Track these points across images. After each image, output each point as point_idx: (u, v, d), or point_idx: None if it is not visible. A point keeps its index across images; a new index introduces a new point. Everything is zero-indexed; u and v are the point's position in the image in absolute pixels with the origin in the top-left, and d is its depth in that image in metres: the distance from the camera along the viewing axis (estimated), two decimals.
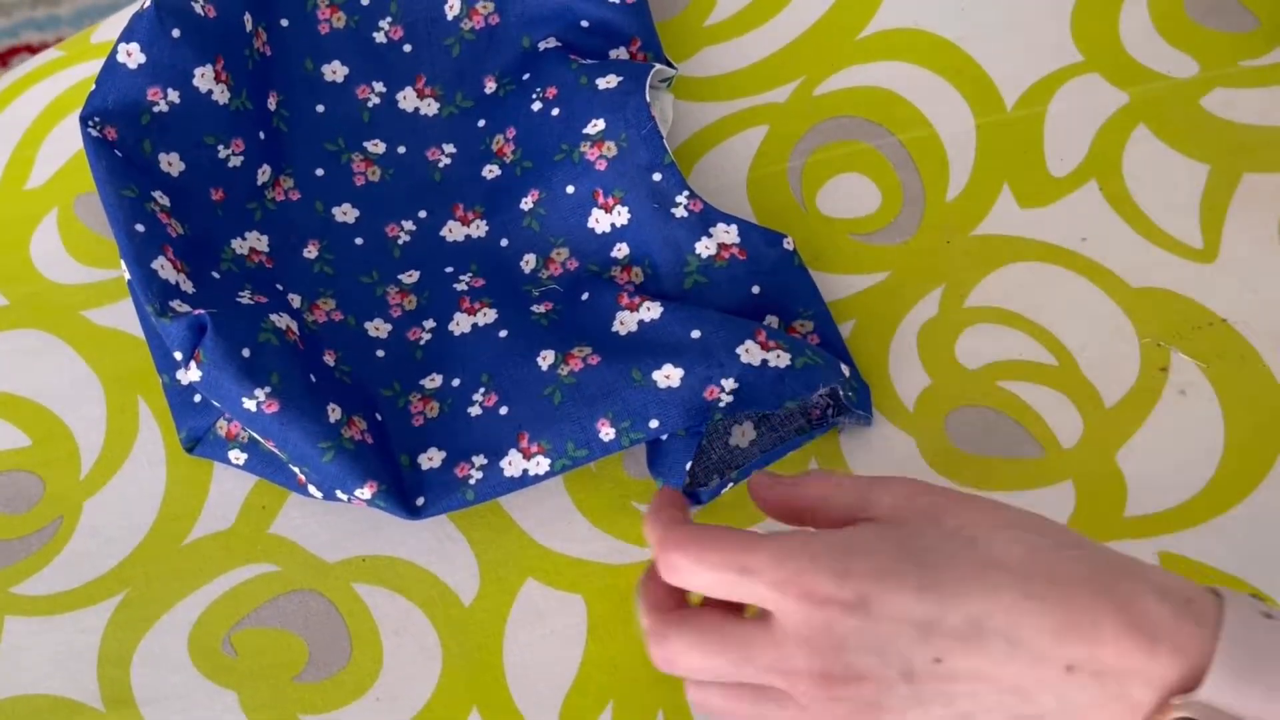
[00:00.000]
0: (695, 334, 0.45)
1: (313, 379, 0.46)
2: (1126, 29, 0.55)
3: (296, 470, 0.46)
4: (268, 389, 0.44)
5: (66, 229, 0.54)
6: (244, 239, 0.50)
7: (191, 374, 0.44)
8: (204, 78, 0.49)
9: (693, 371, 0.44)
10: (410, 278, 0.51)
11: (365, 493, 0.45)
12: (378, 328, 0.50)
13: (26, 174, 0.56)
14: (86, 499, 0.49)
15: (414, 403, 0.48)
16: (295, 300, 0.49)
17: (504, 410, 0.46)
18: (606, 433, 0.44)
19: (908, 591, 0.33)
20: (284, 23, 0.54)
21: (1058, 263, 0.50)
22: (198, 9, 0.50)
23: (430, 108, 0.55)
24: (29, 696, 0.46)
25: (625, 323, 0.47)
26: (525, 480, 0.45)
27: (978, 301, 0.50)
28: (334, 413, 0.45)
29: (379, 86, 0.55)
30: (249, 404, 0.44)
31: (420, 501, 0.46)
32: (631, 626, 0.45)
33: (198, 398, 0.48)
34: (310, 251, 0.51)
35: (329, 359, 0.48)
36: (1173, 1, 0.55)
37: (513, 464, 0.45)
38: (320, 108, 0.54)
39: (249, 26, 0.52)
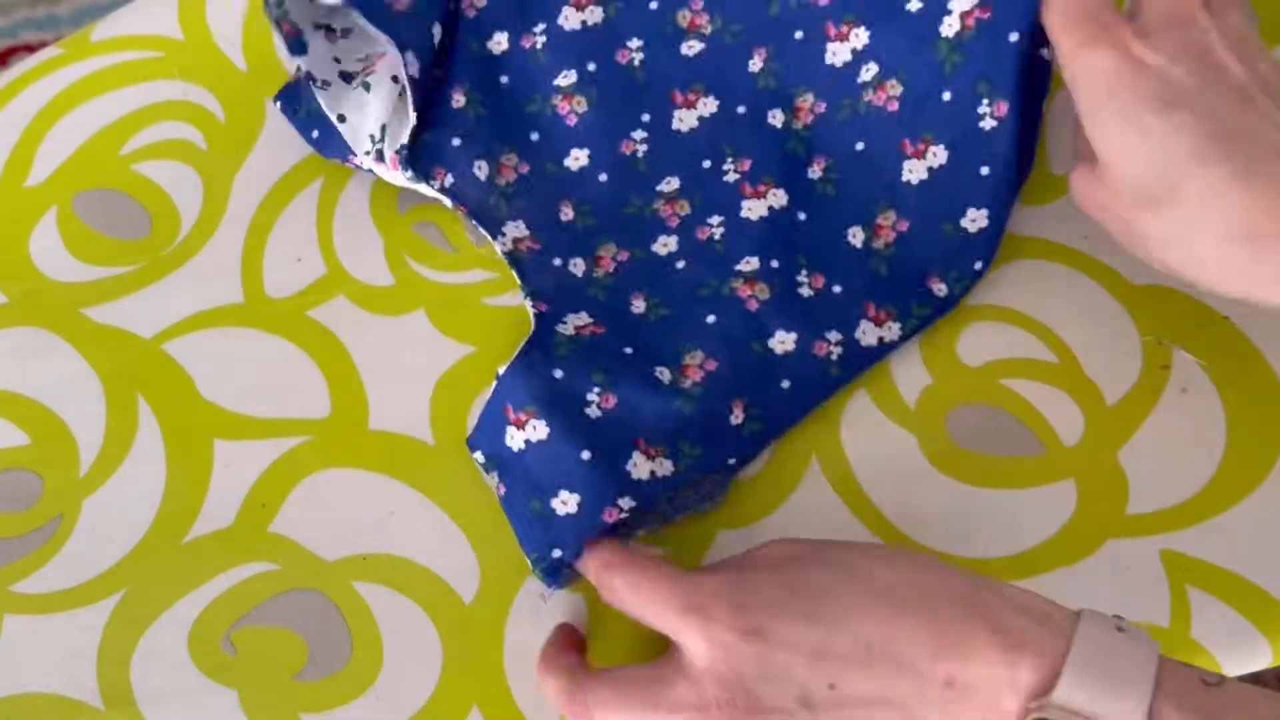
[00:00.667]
0: (984, 170, 0.46)
1: (628, 351, 0.46)
2: None
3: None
4: (597, 388, 0.44)
5: (66, 227, 0.54)
6: (504, 234, 0.50)
7: (527, 435, 0.44)
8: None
9: (994, 210, 0.46)
10: (670, 185, 0.50)
11: (738, 415, 0.45)
12: (665, 244, 0.49)
13: (26, 172, 0.56)
14: (86, 497, 0.49)
15: (739, 288, 0.47)
16: (579, 266, 0.49)
17: (837, 289, 0.47)
18: (939, 288, 0.47)
19: (798, 620, 0.36)
20: (435, 30, 0.53)
21: (1059, 260, 0.50)
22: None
23: (594, 14, 0.53)
24: (28, 695, 0.46)
25: (914, 171, 0.47)
26: (883, 349, 0.46)
27: (979, 299, 0.50)
28: (661, 374, 0.45)
29: (538, 29, 0.54)
30: (591, 410, 0.44)
31: (786, 385, 0.46)
32: (631, 626, 0.45)
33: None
34: (566, 213, 0.51)
35: (638, 305, 0.48)
36: None
37: (867, 333, 0.46)
38: (504, 79, 0.53)
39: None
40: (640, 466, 0.44)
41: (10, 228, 0.54)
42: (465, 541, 0.47)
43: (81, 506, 0.49)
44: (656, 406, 0.45)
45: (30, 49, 1.37)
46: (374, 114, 0.50)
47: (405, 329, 0.51)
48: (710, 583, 0.38)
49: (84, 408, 0.50)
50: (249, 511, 0.48)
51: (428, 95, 0.53)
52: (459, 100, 0.52)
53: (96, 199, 0.55)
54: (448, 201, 0.51)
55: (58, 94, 0.57)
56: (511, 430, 0.45)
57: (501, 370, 0.46)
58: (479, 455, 0.46)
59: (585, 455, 0.43)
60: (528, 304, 0.49)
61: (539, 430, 0.44)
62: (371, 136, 0.51)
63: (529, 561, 0.44)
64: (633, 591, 0.39)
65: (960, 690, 0.35)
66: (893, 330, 0.47)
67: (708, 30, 0.52)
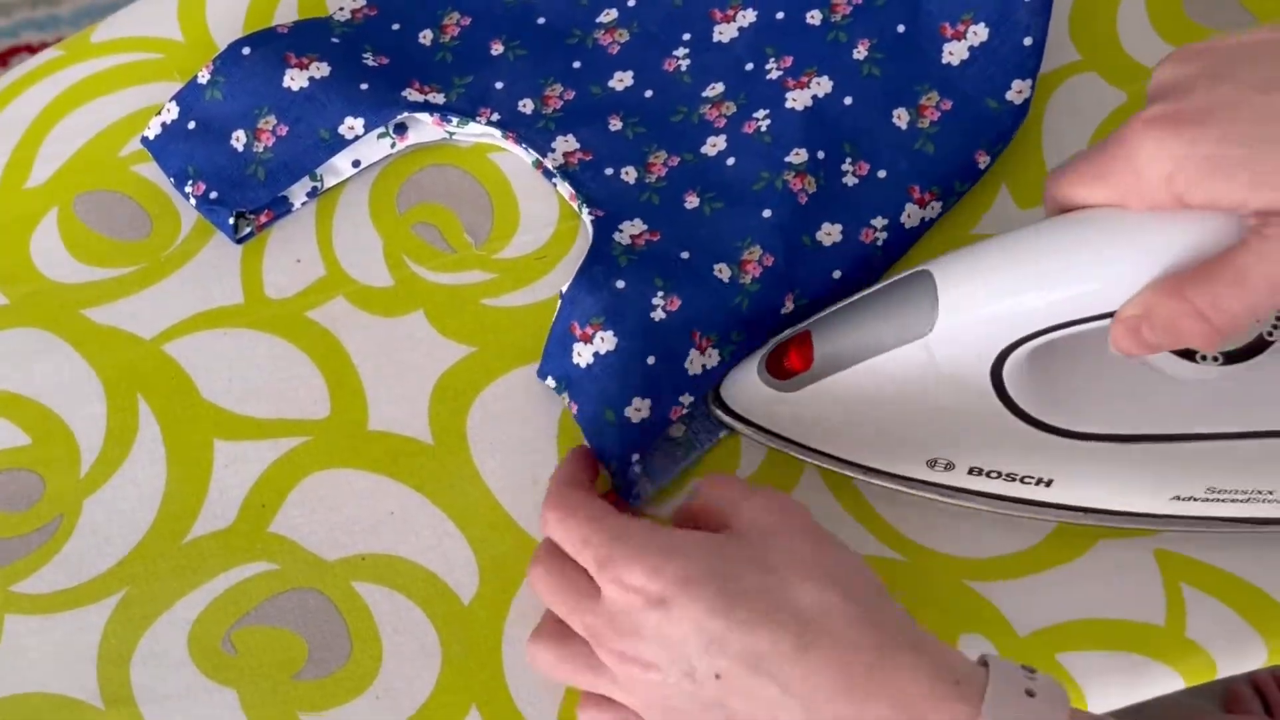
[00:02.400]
0: (1027, 41, 0.49)
1: (684, 256, 0.47)
2: (1124, 28, 0.55)
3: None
4: (660, 292, 0.45)
5: (66, 228, 0.54)
6: (554, 149, 0.51)
7: (595, 348, 0.45)
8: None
9: (1036, 77, 0.50)
10: (714, 90, 0.52)
11: (789, 305, 0.46)
12: (714, 144, 0.50)
13: (26, 173, 0.56)
14: (86, 497, 0.49)
15: (791, 180, 0.48)
16: (630, 174, 0.50)
17: (881, 174, 0.48)
18: (983, 160, 0.48)
19: (703, 607, 0.36)
20: None
21: None
22: None
23: None
24: (29, 695, 0.46)
25: (955, 52, 0.48)
26: (925, 226, 0.48)
27: None
28: (721, 272, 0.46)
29: None
30: (656, 314, 0.45)
31: (837, 275, 0.47)
32: None
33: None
34: (614, 124, 0.52)
35: (691, 200, 0.49)
36: (1171, 0, 0.55)
37: (911, 215, 0.47)
38: (541, 20, 0.55)
39: None
40: (694, 362, 0.46)
41: (11, 229, 0.54)
42: (464, 541, 0.47)
43: (82, 507, 0.49)
44: (717, 303, 0.46)
45: (31, 49, 1.37)
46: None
47: (404, 330, 0.51)
48: (638, 536, 0.39)
49: (85, 408, 0.51)
50: (249, 512, 0.48)
51: (463, 50, 0.54)
52: (497, 49, 0.54)
53: (97, 200, 0.55)
54: (497, 133, 0.52)
55: (58, 95, 0.57)
56: (579, 347, 0.46)
57: (565, 290, 0.47)
58: (550, 380, 0.47)
59: (651, 360, 0.45)
60: (584, 213, 0.49)
61: (607, 341, 0.45)
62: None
63: (607, 474, 0.46)
64: (561, 525, 0.41)
65: None
66: (935, 209, 0.49)
67: None
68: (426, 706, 0.45)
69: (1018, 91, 0.50)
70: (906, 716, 0.34)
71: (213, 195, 0.52)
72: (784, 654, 0.35)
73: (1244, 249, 0.33)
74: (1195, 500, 0.42)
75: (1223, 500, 0.42)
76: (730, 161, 0.50)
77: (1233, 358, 0.41)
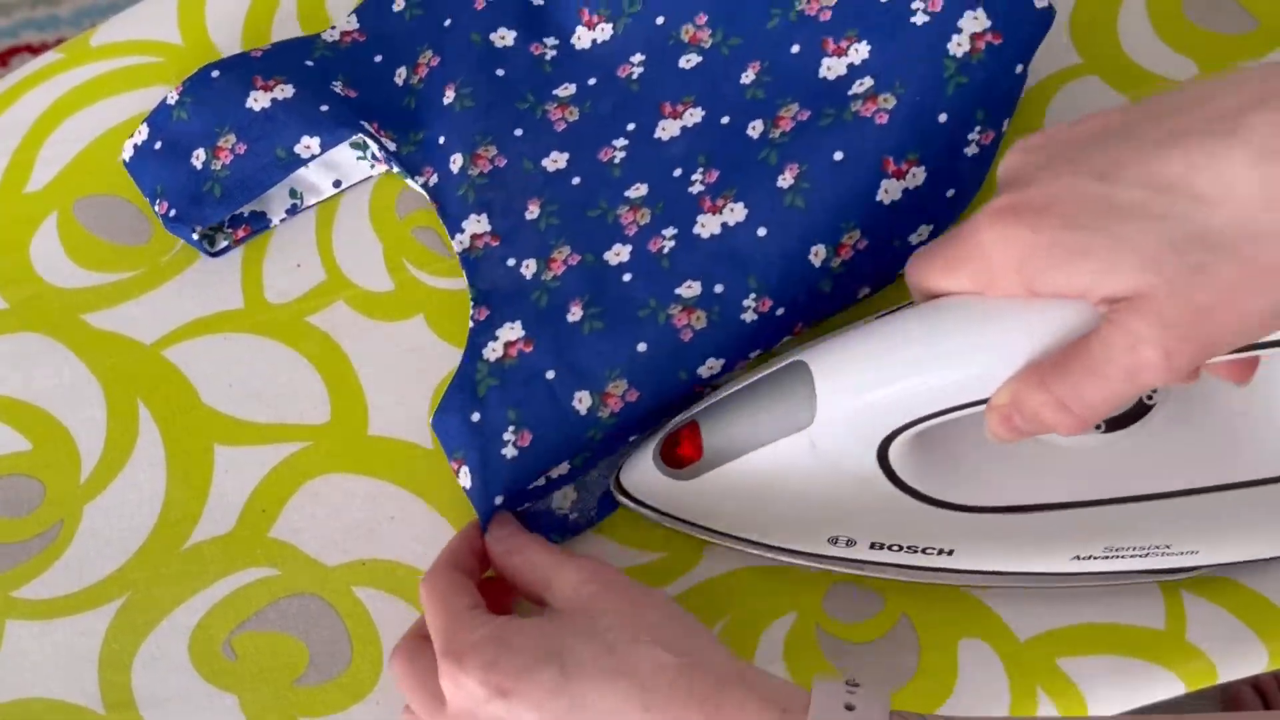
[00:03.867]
0: (950, 193, 0.46)
1: (550, 376, 0.46)
2: (1125, 31, 0.55)
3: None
4: (512, 427, 0.45)
5: (66, 232, 0.54)
6: (463, 230, 0.50)
7: (462, 481, 0.46)
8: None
9: (940, 226, 0.47)
10: (638, 191, 0.50)
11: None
12: (618, 253, 0.48)
13: (26, 177, 0.56)
14: (87, 503, 0.49)
15: (676, 315, 0.46)
16: (530, 267, 0.49)
17: (780, 312, 0.46)
18: (864, 293, 0.46)
19: (544, 690, 0.37)
20: (446, 22, 0.55)
21: None
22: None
23: (604, 32, 0.53)
24: (30, 700, 0.46)
25: (890, 191, 0.45)
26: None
27: None
28: (581, 402, 0.45)
29: (550, 42, 0.54)
30: (507, 450, 0.45)
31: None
32: None
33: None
34: (532, 212, 0.50)
35: (575, 312, 0.47)
36: (1171, 3, 0.55)
37: (785, 343, 0.46)
38: (500, 71, 0.53)
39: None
40: (539, 488, 0.46)
41: (11, 233, 0.54)
42: None
43: (83, 512, 0.49)
44: (569, 437, 0.45)
45: (31, 49, 1.37)
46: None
47: (404, 334, 0.51)
48: (478, 631, 0.39)
49: (85, 413, 0.51)
50: (249, 517, 0.48)
51: (426, 94, 0.54)
52: (449, 96, 0.53)
53: (97, 204, 0.55)
54: (427, 199, 0.52)
55: (58, 99, 0.57)
56: (455, 467, 0.46)
57: (438, 410, 0.47)
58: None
59: (499, 500, 0.45)
60: (471, 312, 0.49)
61: (465, 477, 0.46)
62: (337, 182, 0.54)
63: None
64: (424, 602, 0.41)
65: None
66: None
67: (708, 44, 0.51)
68: None
69: (919, 234, 0.47)
70: None
71: (173, 213, 0.52)
72: (625, 717, 0.36)
73: (1096, 337, 0.33)
74: (1095, 559, 0.42)
75: (1122, 556, 0.42)
76: (626, 278, 0.48)
77: (1116, 424, 0.42)
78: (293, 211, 0.53)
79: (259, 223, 0.53)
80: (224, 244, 0.53)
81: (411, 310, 0.52)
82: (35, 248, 0.54)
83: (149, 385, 0.51)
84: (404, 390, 0.50)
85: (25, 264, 0.54)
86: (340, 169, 0.54)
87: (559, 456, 0.45)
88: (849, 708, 0.36)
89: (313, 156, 0.51)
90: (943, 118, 0.46)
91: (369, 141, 0.52)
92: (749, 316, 0.45)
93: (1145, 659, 0.44)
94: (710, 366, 0.45)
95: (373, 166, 0.54)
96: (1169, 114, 0.33)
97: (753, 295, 0.45)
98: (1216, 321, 0.32)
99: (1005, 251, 0.34)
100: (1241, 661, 0.44)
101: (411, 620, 0.46)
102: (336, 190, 0.54)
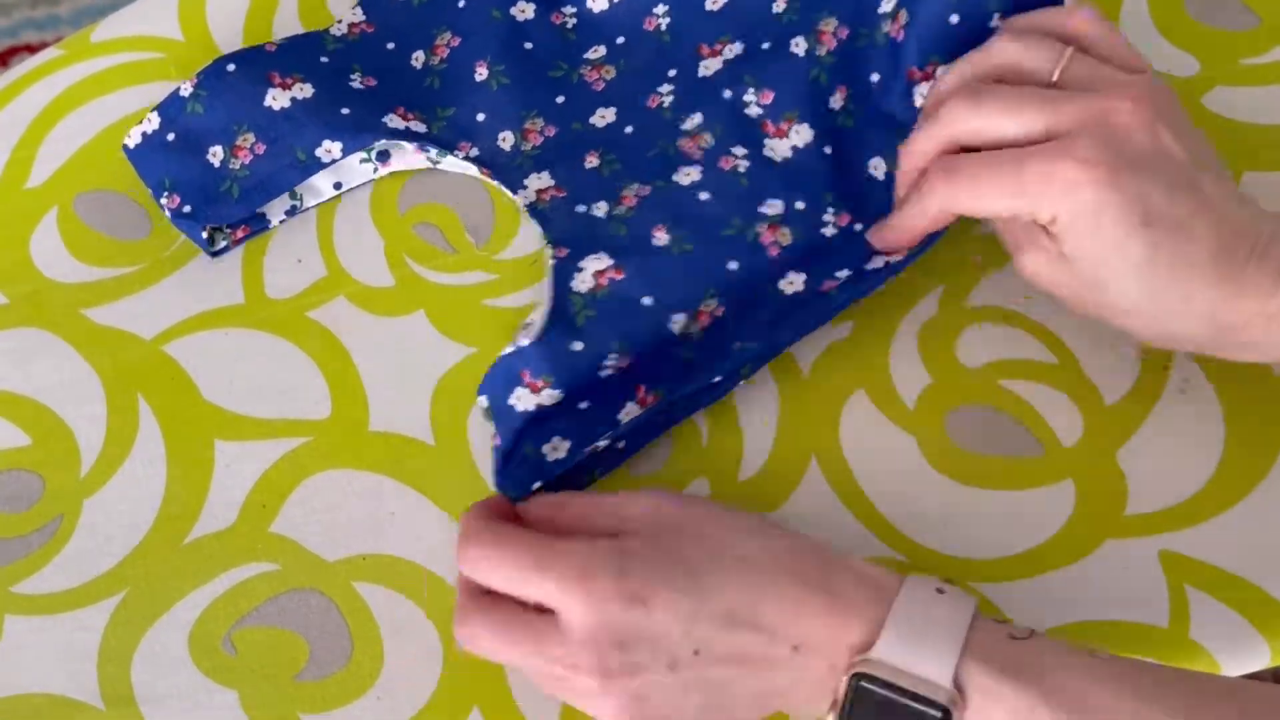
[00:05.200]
0: None
1: (646, 302, 0.46)
2: (1127, 27, 0.55)
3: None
4: (615, 355, 0.45)
5: (66, 228, 0.54)
6: (526, 187, 0.51)
7: (539, 400, 0.45)
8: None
9: None
10: (693, 121, 0.51)
11: (735, 347, 0.45)
12: (688, 174, 0.49)
13: (26, 173, 0.56)
14: (86, 498, 0.49)
15: (763, 233, 0.47)
16: (601, 208, 0.49)
17: (858, 227, 0.47)
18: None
19: (675, 590, 0.38)
20: (461, 3, 0.55)
21: None
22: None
23: None
24: (29, 695, 0.46)
25: (925, 95, 0.47)
26: (890, 269, 0.47)
27: (978, 300, 0.50)
28: (676, 324, 0.46)
29: (568, 9, 0.54)
30: (604, 372, 0.45)
31: (786, 320, 0.46)
32: None
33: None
34: (591, 162, 0.51)
35: (660, 237, 0.48)
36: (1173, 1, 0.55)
37: (874, 262, 0.47)
38: (528, 45, 0.54)
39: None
40: (630, 411, 0.45)
41: (11, 229, 0.54)
42: None
43: (82, 507, 0.49)
44: (665, 357, 0.46)
45: (31, 49, 1.37)
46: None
47: (406, 330, 0.51)
48: (584, 550, 0.39)
49: (85, 408, 0.50)
50: (249, 512, 0.48)
51: (450, 73, 0.54)
52: (481, 74, 0.53)
53: (97, 200, 0.55)
54: (474, 169, 0.52)
55: (58, 95, 0.57)
56: (522, 392, 0.45)
57: (524, 338, 0.46)
58: (484, 400, 0.46)
59: (584, 405, 0.45)
60: (548, 253, 0.49)
61: (552, 396, 0.45)
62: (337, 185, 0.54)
63: (492, 485, 0.45)
64: (492, 562, 0.40)
65: (806, 653, 0.38)
66: (899, 254, 0.48)
67: None
68: (428, 707, 0.45)
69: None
70: (840, 621, 0.38)
71: (186, 209, 0.51)
72: (751, 599, 0.38)
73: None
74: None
75: None
76: (703, 196, 0.48)
77: None
78: (292, 213, 0.53)
79: (259, 224, 0.53)
80: (223, 244, 0.53)
81: (412, 306, 0.52)
82: (35, 243, 0.54)
83: (149, 380, 0.51)
84: (405, 386, 0.50)
85: (25, 259, 0.54)
86: (341, 171, 0.54)
87: (657, 379, 0.45)
88: (939, 590, 0.39)
89: (333, 161, 0.51)
90: (954, 19, 0.46)
91: (382, 144, 0.52)
92: (829, 231, 0.47)
93: (1148, 656, 0.44)
94: (791, 282, 0.47)
95: (375, 171, 0.54)
96: None
97: (830, 211, 0.48)
98: None
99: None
100: (1244, 658, 0.44)
101: (413, 615, 0.46)
102: (337, 193, 0.54)
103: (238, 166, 0.52)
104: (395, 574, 0.47)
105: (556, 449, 0.45)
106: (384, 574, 0.47)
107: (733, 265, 0.47)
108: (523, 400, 0.45)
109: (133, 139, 0.53)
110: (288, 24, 0.58)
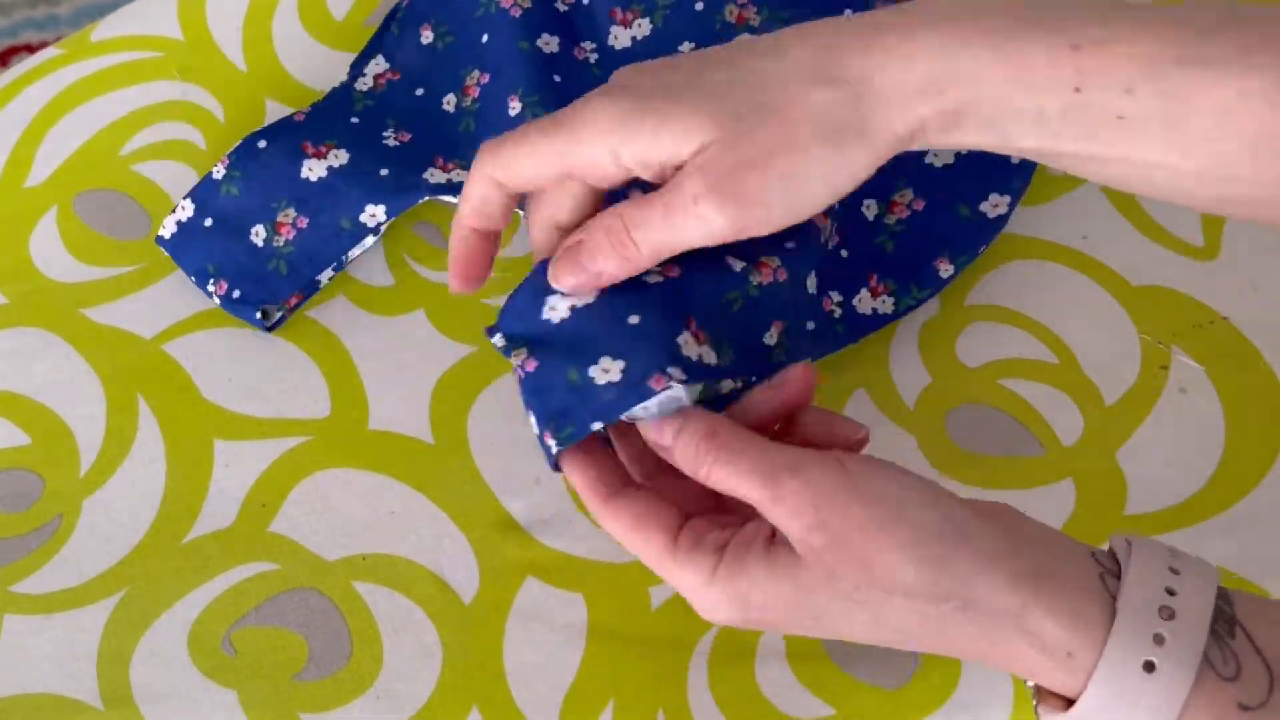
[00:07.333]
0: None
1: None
2: None
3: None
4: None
5: (66, 227, 0.54)
6: None
7: (573, 302, 0.39)
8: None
9: (1015, 195, 0.50)
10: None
11: (774, 335, 0.40)
12: None
13: (26, 172, 0.56)
14: (86, 497, 0.49)
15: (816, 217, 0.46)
16: None
17: (844, 254, 0.48)
18: (945, 269, 0.48)
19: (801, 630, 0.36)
20: (485, 38, 0.54)
21: (1058, 260, 0.50)
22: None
23: (642, 28, 0.54)
24: (28, 695, 0.46)
25: (939, 155, 0.49)
26: (878, 320, 0.48)
27: (978, 300, 0.50)
28: (734, 264, 0.41)
29: (589, 45, 0.55)
30: (651, 277, 0.39)
31: (810, 325, 0.43)
32: (630, 625, 0.45)
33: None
34: None
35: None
36: (1172, 0, 0.55)
37: (863, 301, 0.48)
38: (557, 78, 0.53)
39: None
40: (689, 345, 0.38)
41: (10, 228, 0.54)
42: (465, 541, 0.47)
43: (82, 507, 0.49)
44: (715, 290, 0.40)
45: (31, 49, 1.37)
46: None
47: (405, 329, 0.51)
48: (838, 488, 0.35)
49: (84, 408, 0.50)
50: (249, 511, 0.48)
51: (484, 111, 0.53)
52: (515, 107, 0.52)
53: (97, 199, 0.55)
54: (520, 211, 0.50)
55: (58, 94, 0.57)
56: (554, 300, 0.39)
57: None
58: (498, 339, 0.40)
59: (634, 320, 0.38)
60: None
61: (585, 300, 0.39)
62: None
63: (550, 436, 0.38)
64: (729, 467, 0.36)
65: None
66: (886, 304, 0.48)
67: (756, 21, 0.52)
68: (427, 707, 0.45)
69: (993, 205, 0.49)
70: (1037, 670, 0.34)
71: (235, 294, 0.51)
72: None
73: (669, 189, 0.37)
74: None
75: None
76: None
77: None
78: (338, 268, 0.52)
79: (310, 289, 0.52)
80: (279, 315, 0.51)
81: (412, 305, 0.52)
82: (35, 243, 0.54)
83: (149, 380, 0.51)
84: (404, 385, 0.50)
85: (25, 259, 0.54)
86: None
87: (698, 306, 0.39)
88: (1148, 667, 0.32)
89: (378, 225, 0.51)
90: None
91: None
92: (828, 245, 0.47)
93: None
94: (810, 281, 0.44)
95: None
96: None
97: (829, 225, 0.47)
98: (756, 174, 0.35)
99: (595, 122, 0.36)
100: None
101: (412, 615, 0.46)
102: (378, 237, 0.52)
103: (282, 243, 0.51)
104: (395, 574, 0.47)
105: (607, 370, 0.37)
106: (384, 574, 0.47)
107: (790, 245, 0.42)
108: (557, 310, 0.39)
109: (167, 229, 0.52)
110: (287, 24, 0.58)
